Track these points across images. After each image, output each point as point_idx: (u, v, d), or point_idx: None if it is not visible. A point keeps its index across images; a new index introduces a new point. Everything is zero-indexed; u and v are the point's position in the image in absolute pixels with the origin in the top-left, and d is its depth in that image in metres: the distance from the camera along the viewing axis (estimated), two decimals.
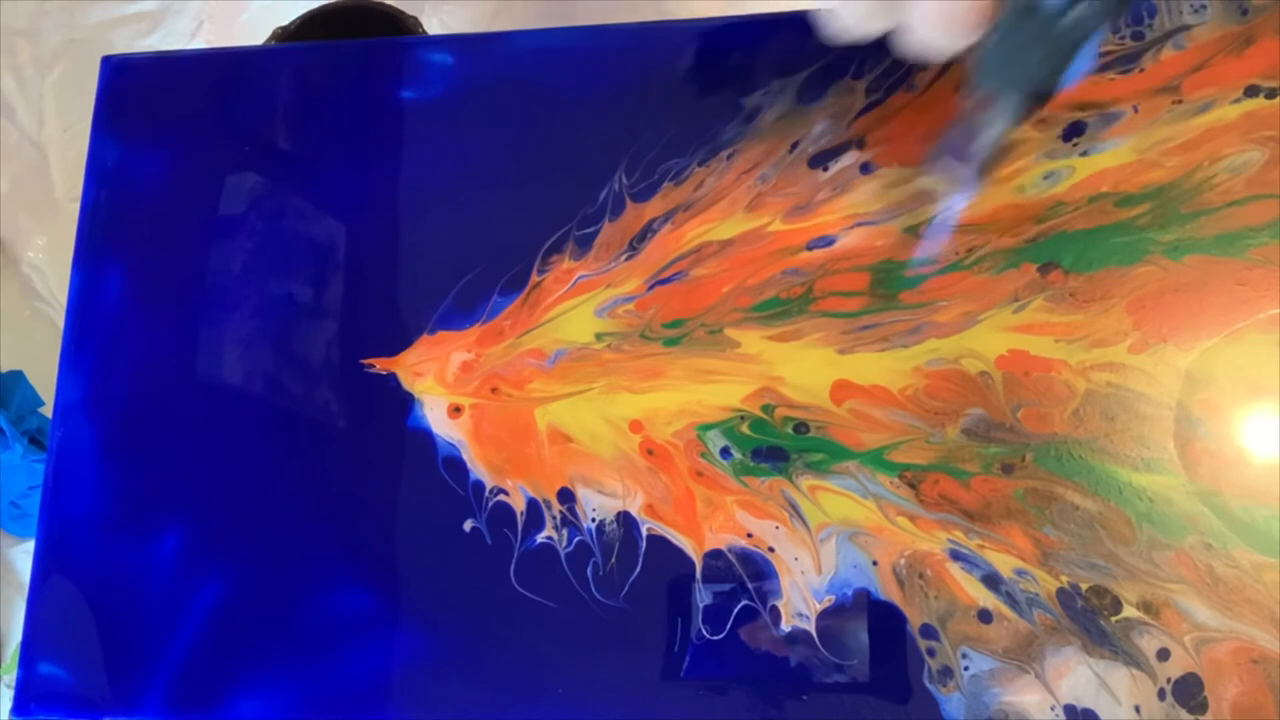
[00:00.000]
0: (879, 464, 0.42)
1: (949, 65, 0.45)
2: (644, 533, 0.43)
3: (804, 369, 0.43)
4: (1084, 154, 0.43)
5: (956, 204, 0.40)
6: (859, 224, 0.44)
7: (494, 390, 0.46)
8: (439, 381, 0.46)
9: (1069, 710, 0.38)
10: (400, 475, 0.45)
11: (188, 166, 0.51)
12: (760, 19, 0.49)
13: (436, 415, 0.46)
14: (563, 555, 0.43)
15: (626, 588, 0.42)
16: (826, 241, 0.45)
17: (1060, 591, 0.39)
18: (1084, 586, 0.39)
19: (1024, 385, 0.42)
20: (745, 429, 0.43)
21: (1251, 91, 0.43)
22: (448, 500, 0.45)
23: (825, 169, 0.45)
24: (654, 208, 0.46)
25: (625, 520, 0.43)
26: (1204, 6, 0.44)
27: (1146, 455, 0.40)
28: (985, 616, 0.40)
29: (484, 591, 0.43)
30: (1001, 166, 0.41)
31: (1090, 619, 0.39)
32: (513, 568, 0.43)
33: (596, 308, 0.46)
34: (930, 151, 0.40)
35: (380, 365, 0.47)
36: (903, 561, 0.41)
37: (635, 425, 0.44)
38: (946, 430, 0.42)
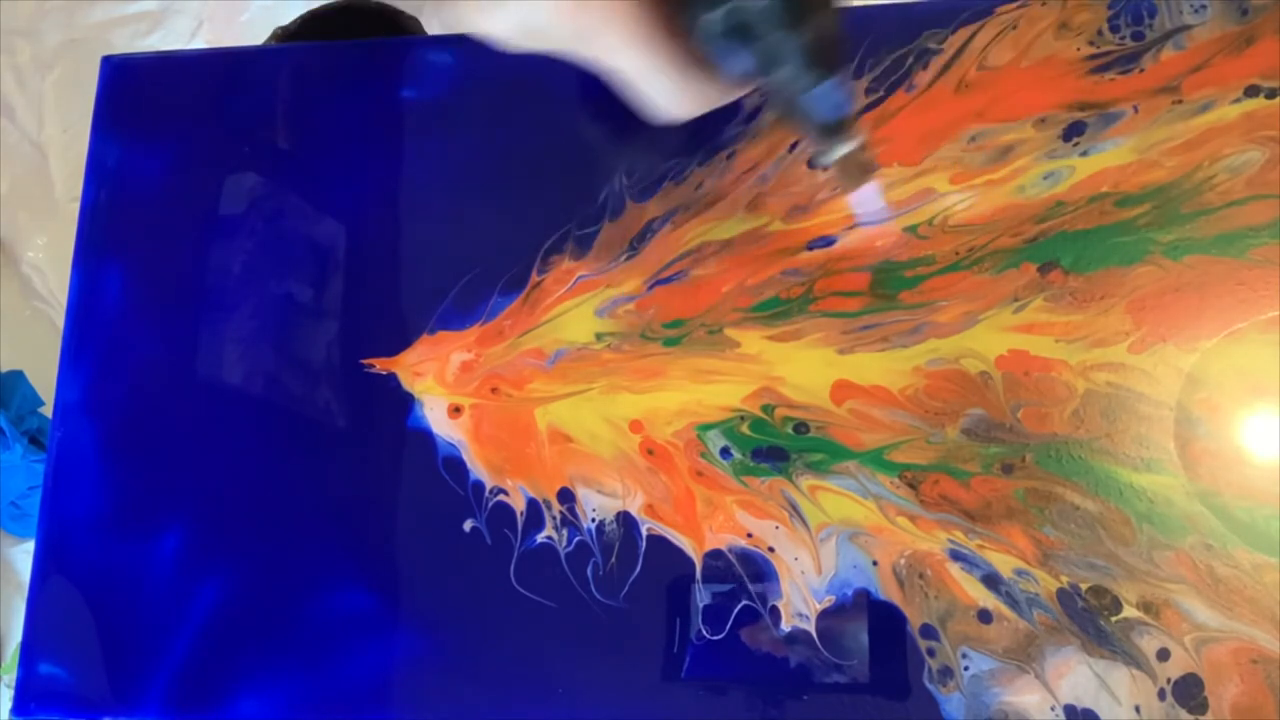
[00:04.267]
0: (879, 464, 0.42)
1: (946, 66, 0.45)
2: (644, 533, 0.43)
3: (804, 369, 0.43)
4: (1084, 154, 0.43)
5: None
6: (859, 224, 0.44)
7: (494, 390, 0.46)
8: (439, 381, 0.46)
9: (1069, 710, 0.38)
10: (400, 475, 0.45)
11: (188, 166, 0.51)
12: None
13: (436, 415, 0.46)
14: (563, 555, 0.43)
15: (626, 588, 0.42)
16: (826, 241, 0.45)
17: (1060, 591, 0.39)
18: (1084, 586, 0.39)
19: (1024, 385, 0.42)
20: (745, 429, 0.43)
21: (1251, 91, 0.43)
22: (448, 500, 0.45)
23: (825, 169, 0.45)
24: (654, 208, 0.46)
25: (625, 520, 0.43)
26: (1204, 6, 0.44)
27: (1146, 455, 0.40)
28: (985, 616, 0.40)
29: (484, 591, 0.43)
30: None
31: (1090, 619, 0.39)
32: (513, 568, 0.43)
33: (596, 308, 0.46)
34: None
35: (380, 365, 0.47)
36: (903, 561, 0.41)
37: (635, 425, 0.44)
38: (946, 430, 0.42)
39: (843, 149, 0.33)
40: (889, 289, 0.44)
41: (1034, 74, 0.44)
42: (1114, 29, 0.44)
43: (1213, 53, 0.43)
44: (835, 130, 0.32)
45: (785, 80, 0.28)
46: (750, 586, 0.42)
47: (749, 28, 0.26)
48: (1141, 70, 0.44)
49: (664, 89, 0.27)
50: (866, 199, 0.39)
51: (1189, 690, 0.38)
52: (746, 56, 0.27)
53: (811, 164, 0.35)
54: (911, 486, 0.41)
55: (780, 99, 0.29)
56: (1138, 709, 0.38)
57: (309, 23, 0.86)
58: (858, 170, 0.35)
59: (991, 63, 0.45)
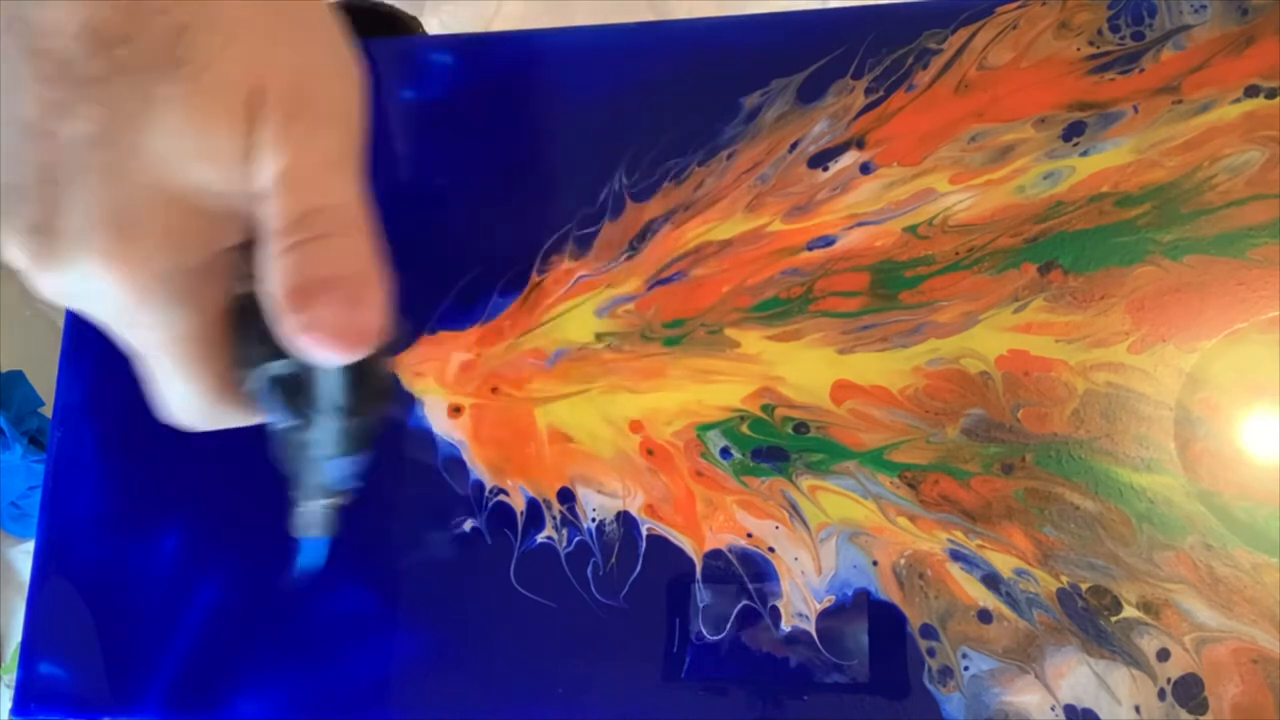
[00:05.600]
0: (879, 464, 0.42)
1: (945, 68, 0.45)
2: (644, 533, 0.43)
3: (804, 369, 0.43)
4: (1084, 154, 0.43)
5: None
6: (859, 224, 0.44)
7: (494, 390, 0.46)
8: (439, 381, 0.46)
9: (1069, 710, 0.38)
10: (400, 475, 0.45)
11: None
12: (760, 19, 0.49)
13: (436, 415, 0.46)
14: (563, 555, 0.43)
15: (626, 588, 0.42)
16: (826, 241, 0.45)
17: (1060, 591, 0.39)
18: (1084, 586, 0.39)
19: (1024, 385, 0.42)
20: (745, 429, 0.43)
21: (1251, 91, 0.43)
22: (448, 500, 0.45)
23: (825, 169, 0.45)
24: (654, 208, 0.46)
25: (625, 520, 0.43)
26: (1204, 6, 0.44)
27: (1146, 455, 0.40)
28: (985, 616, 0.40)
29: (484, 591, 0.43)
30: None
31: (1090, 619, 0.39)
32: (513, 568, 0.43)
33: (596, 308, 0.46)
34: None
35: None
36: (903, 561, 0.41)
37: (635, 425, 0.44)
38: (946, 430, 0.42)
39: (322, 504, 0.33)
40: (889, 289, 0.44)
41: (1034, 74, 0.44)
42: (1114, 29, 0.44)
43: (1213, 53, 0.43)
44: (328, 493, 0.32)
45: (312, 441, 0.28)
46: (750, 586, 0.42)
47: (301, 391, 0.26)
48: (1141, 70, 0.44)
49: (186, 401, 0.27)
50: (312, 550, 0.41)
51: (1189, 690, 0.38)
52: (288, 412, 0.27)
53: (290, 501, 0.35)
54: (911, 486, 0.41)
55: (296, 447, 0.29)
56: (1138, 709, 0.38)
57: None
58: (324, 524, 0.36)
59: (991, 63, 0.45)
